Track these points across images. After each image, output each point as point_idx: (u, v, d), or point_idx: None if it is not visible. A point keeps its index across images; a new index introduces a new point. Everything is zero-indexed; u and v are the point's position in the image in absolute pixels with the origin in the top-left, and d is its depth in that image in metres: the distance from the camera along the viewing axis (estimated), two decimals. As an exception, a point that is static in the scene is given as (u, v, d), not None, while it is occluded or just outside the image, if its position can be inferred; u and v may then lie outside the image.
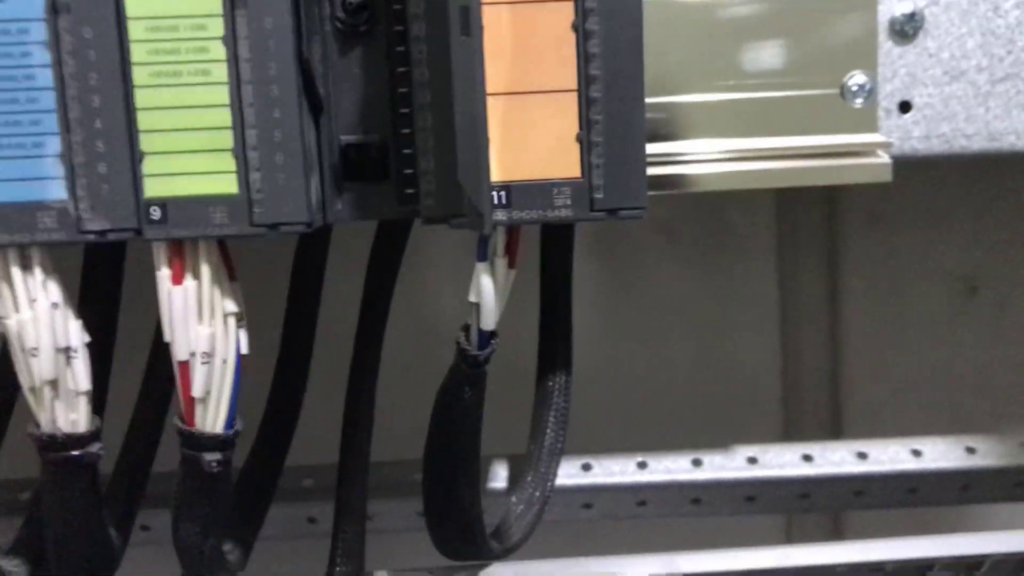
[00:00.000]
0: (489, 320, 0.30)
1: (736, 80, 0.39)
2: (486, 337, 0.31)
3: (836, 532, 0.64)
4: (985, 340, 0.62)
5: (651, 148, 0.33)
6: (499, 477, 0.50)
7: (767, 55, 0.39)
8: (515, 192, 0.28)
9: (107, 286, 0.35)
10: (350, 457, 0.39)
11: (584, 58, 0.27)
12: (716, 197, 0.58)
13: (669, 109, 0.39)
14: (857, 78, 0.39)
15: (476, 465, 0.35)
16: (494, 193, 0.27)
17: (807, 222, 0.62)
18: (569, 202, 0.28)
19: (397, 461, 0.50)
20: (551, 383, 0.42)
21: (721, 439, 0.54)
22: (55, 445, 0.30)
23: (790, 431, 0.63)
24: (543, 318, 0.41)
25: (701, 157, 0.39)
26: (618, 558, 0.40)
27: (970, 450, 0.51)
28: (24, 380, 0.29)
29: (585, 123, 0.27)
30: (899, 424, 0.62)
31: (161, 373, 0.37)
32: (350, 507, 0.38)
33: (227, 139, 0.27)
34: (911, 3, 0.40)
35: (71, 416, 0.30)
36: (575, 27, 0.27)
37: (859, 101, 0.39)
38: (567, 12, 0.27)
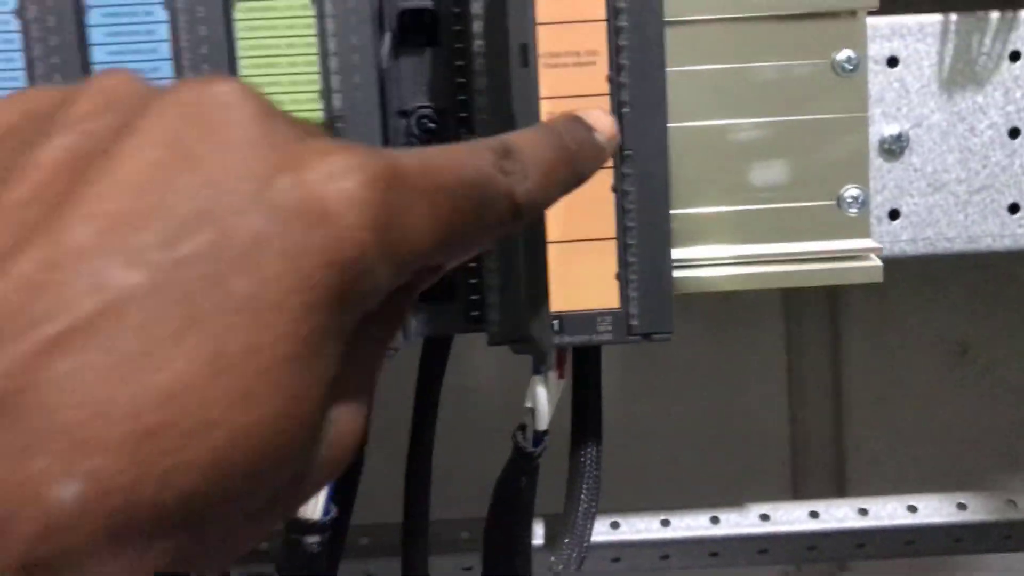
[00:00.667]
0: (543, 422, 0.36)
1: (743, 193, 0.44)
2: (540, 436, 0.36)
3: (841, 578, 0.70)
4: (975, 398, 0.67)
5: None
6: (537, 535, 0.55)
7: (772, 171, 0.44)
8: (566, 320, 0.34)
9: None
10: (412, 521, 0.44)
11: (622, 212, 0.33)
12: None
13: (683, 219, 0.44)
14: (852, 191, 0.42)
15: (529, 538, 0.41)
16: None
17: (811, 292, 0.67)
18: (610, 328, 0.34)
19: (440, 520, 0.55)
20: (584, 454, 0.47)
21: (735, 490, 0.59)
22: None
23: (798, 483, 0.68)
24: (575, 395, 0.46)
25: (712, 262, 0.44)
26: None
27: (961, 506, 0.56)
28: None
29: (623, 264, 0.33)
30: (898, 476, 0.67)
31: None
32: (414, 568, 0.44)
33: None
34: (898, 126, 0.45)
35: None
36: (614, 189, 0.33)
37: (853, 211, 0.42)
38: (608, 178, 0.33)
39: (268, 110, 0.18)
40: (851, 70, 0.42)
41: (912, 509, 0.56)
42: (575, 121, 0.25)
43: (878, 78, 0.45)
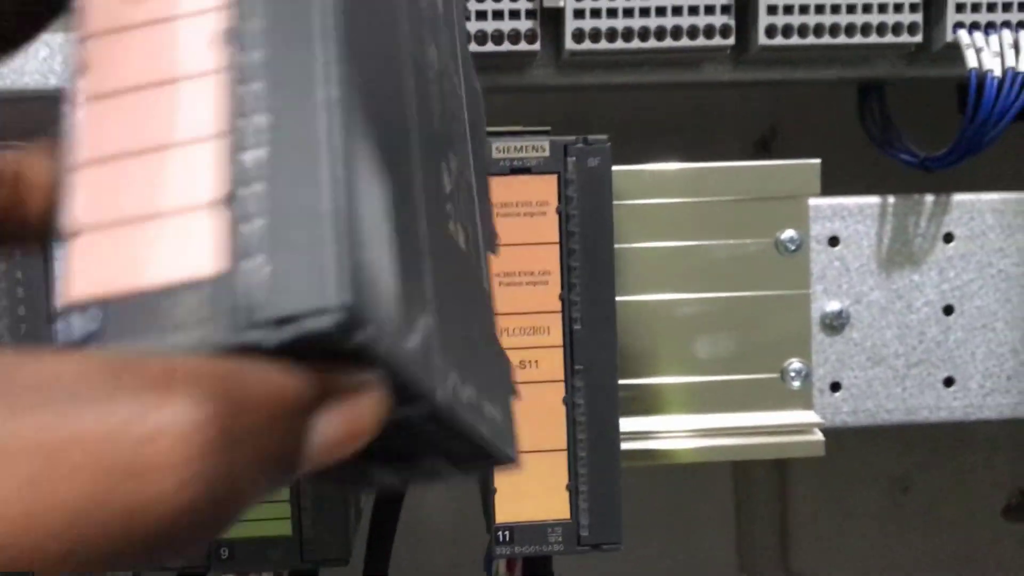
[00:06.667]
0: (494, 618, 0.36)
1: (692, 365, 0.45)
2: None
3: None
4: (917, 533, 0.69)
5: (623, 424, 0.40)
6: None
7: (719, 345, 0.45)
8: (517, 531, 0.34)
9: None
10: None
11: (573, 424, 0.34)
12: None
13: (634, 390, 0.45)
14: (795, 364, 0.44)
15: None
16: (500, 533, 0.34)
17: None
18: (560, 539, 0.34)
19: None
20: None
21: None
22: None
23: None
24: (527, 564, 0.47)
25: (662, 434, 0.44)
26: None
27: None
28: None
29: (574, 476, 0.34)
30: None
31: None
32: None
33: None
34: (838, 303, 0.47)
35: None
36: (565, 402, 0.34)
37: (796, 383, 0.44)
38: (559, 390, 0.34)
39: None
40: (794, 250, 0.44)
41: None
42: None
43: (820, 256, 0.46)
